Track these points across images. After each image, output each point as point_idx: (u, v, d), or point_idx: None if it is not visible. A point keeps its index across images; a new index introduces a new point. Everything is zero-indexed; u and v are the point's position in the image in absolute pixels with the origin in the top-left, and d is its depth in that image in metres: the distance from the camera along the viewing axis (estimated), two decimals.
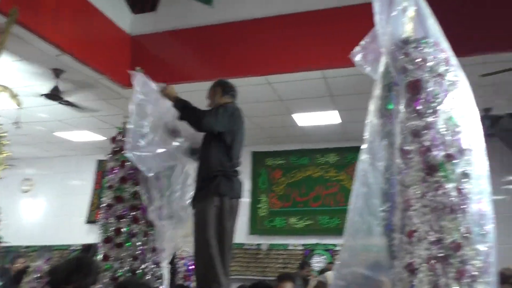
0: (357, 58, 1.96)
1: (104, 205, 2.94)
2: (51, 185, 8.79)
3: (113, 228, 2.81)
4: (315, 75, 4.92)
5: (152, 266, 2.92)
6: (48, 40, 4.10)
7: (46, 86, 5.07)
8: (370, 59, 1.92)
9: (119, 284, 2.30)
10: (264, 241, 7.38)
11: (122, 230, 2.80)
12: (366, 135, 1.79)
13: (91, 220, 8.18)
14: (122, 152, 2.96)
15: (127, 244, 2.78)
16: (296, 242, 7.24)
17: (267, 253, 7.29)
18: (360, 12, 4.71)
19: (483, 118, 5.57)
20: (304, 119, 6.41)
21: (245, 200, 7.58)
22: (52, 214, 8.63)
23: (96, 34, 4.79)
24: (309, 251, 7.14)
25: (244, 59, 4.92)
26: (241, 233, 7.42)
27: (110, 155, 3.17)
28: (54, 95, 5.00)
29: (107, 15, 4.89)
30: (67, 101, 5.31)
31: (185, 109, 2.97)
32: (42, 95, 5.04)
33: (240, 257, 7.28)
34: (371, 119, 1.79)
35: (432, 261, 1.38)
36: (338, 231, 7.09)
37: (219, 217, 2.84)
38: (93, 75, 4.92)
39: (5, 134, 2.29)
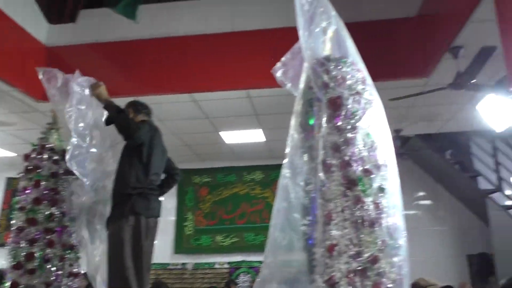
0: (278, 74, 2.00)
1: (14, 228, 2.72)
2: None
3: (25, 252, 2.59)
4: (240, 94, 4.96)
5: None
6: None
7: None
8: (291, 75, 1.95)
9: None
10: (190, 260, 7.21)
11: (35, 255, 2.59)
12: (287, 150, 1.80)
13: (1, 244, 7.50)
14: (37, 170, 2.80)
15: (40, 270, 2.58)
16: (222, 260, 7.15)
17: (193, 273, 7.13)
18: (284, 35, 4.92)
19: (394, 138, 6.02)
20: (231, 136, 6.42)
21: (171, 218, 7.41)
22: None
23: (7, 43, 4.46)
24: (235, 269, 7.12)
25: (170, 76, 4.84)
26: (165, 252, 7.22)
27: (22, 174, 2.93)
28: None
29: (20, 24, 4.58)
30: None
31: (118, 113, 2.83)
32: None
33: (165, 277, 7.02)
34: (292, 133, 1.81)
35: (351, 275, 1.40)
36: (263, 248, 7.11)
37: (135, 237, 2.71)
38: (3, 87, 4.56)
39: None
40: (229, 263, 7.14)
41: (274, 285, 1.60)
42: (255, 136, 6.43)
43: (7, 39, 4.47)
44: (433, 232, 6.88)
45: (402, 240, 1.55)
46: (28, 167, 2.90)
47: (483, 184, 6.47)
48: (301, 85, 1.79)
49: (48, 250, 2.67)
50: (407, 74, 4.63)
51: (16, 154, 6.95)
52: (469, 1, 3.56)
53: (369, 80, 1.74)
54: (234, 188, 7.55)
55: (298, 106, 1.82)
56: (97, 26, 5.07)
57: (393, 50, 4.58)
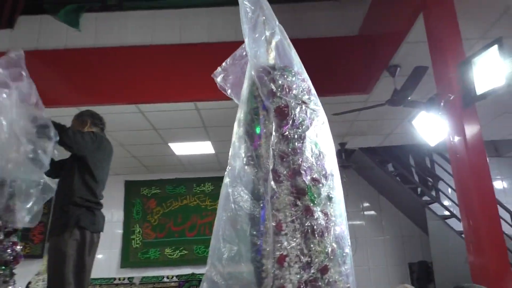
0: (219, 79, 1.95)
1: None
2: None
3: None
4: (188, 106, 4.92)
5: None
6: None
7: None
8: (231, 81, 1.92)
9: None
10: (137, 274, 6.97)
11: None
12: (229, 158, 1.75)
13: None
14: None
15: None
16: (171, 274, 6.96)
17: (140, 287, 6.97)
18: (231, 48, 4.97)
19: (340, 151, 6.21)
20: (181, 148, 6.33)
21: (118, 231, 7.19)
22: None
23: None
24: (184, 282, 7.00)
25: (115, 86, 4.70)
26: (111, 267, 6.96)
27: None
28: None
29: None
30: None
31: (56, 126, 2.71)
32: None
33: None
34: (234, 141, 1.75)
35: (302, 286, 1.37)
36: None
37: (79, 252, 2.64)
38: None
39: None
40: (177, 276, 6.98)
41: None
42: (204, 148, 6.38)
43: None
44: (377, 241, 7.12)
45: (347, 249, 1.55)
46: None
47: (422, 196, 6.82)
48: (244, 92, 1.75)
49: None
50: (349, 90, 4.81)
51: None
52: (403, 23, 3.77)
53: (313, 90, 1.75)
54: (184, 200, 7.42)
55: (241, 114, 1.78)
56: (37, 33, 4.84)
57: (336, 66, 4.75)
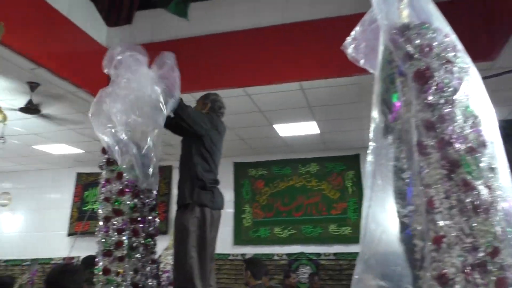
0: (349, 50, 1.76)
1: (102, 217, 2.79)
2: (28, 198, 8.51)
3: (113, 241, 2.68)
4: (293, 87, 4.86)
5: (151, 279, 2.82)
6: (22, 54, 4.05)
7: (20, 100, 4.87)
8: (363, 50, 1.73)
9: None
10: (249, 251, 7.24)
11: (123, 243, 2.68)
12: (371, 134, 1.58)
13: (71, 233, 8.09)
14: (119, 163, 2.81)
15: (128, 257, 2.67)
16: (280, 252, 7.11)
17: None
18: (334, 24, 4.82)
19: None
20: (285, 129, 6.32)
21: (229, 211, 7.54)
22: (32, 228, 8.35)
23: (72, 47, 4.69)
24: (294, 260, 7.12)
25: (222, 71, 4.81)
26: (226, 243, 7.30)
27: (102, 165, 2.95)
28: (30, 108, 4.92)
29: (82, 28, 4.83)
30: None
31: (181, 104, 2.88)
32: (20, 108, 4.95)
33: (226, 268, 7.13)
34: (374, 116, 1.57)
35: (468, 270, 1.19)
36: (321, 240, 7.03)
37: (200, 228, 2.77)
38: (69, 88, 4.82)
39: None
40: (287, 254, 7.09)
41: (374, 282, 1.40)
42: (309, 128, 6.28)
43: (72, 43, 4.73)
44: None
45: None
46: (109, 160, 2.92)
47: None
48: (379, 59, 1.56)
49: (134, 239, 2.74)
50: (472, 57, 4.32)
51: (83, 151, 7.40)
52: None
53: (460, 45, 1.49)
54: (290, 181, 7.48)
55: (377, 84, 1.58)
56: (151, 27, 5.18)
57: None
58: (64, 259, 7.72)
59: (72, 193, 8.32)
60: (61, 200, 8.37)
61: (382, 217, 1.44)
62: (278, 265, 7.09)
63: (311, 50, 4.61)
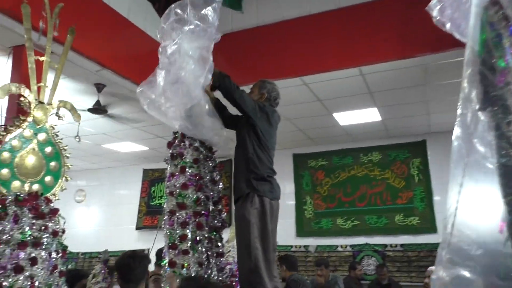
0: (435, 12, 1.58)
1: (167, 211, 2.83)
2: (100, 195, 9.03)
3: (178, 234, 2.71)
4: (351, 73, 4.68)
5: (216, 272, 2.82)
6: (87, 56, 4.25)
7: (89, 101, 5.12)
8: (450, 14, 1.56)
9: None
10: (312, 243, 7.18)
11: (187, 237, 2.71)
12: (458, 107, 1.43)
13: (139, 227, 8.48)
14: (182, 157, 2.87)
15: (192, 250, 2.70)
16: (344, 243, 6.99)
17: (316, 256, 7.18)
18: (393, 5, 4.58)
19: None
20: (345, 118, 6.13)
21: (290, 202, 7.50)
22: (104, 222, 8.87)
23: (133, 47, 4.89)
24: (358, 252, 6.95)
25: (278, 61, 4.74)
26: (288, 235, 7.27)
27: (168, 160, 2.98)
28: (98, 109, 5.18)
29: (141, 28, 5.00)
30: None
31: (226, 77, 2.86)
32: (88, 109, 5.23)
33: None
34: (463, 86, 1.41)
35: None
36: (386, 230, 6.77)
37: (261, 219, 2.73)
38: (132, 87, 5.01)
39: (66, 147, 2.38)
40: (351, 245, 6.94)
41: (500, 283, 1.20)
42: (370, 115, 6.05)
43: (133, 43, 4.91)
44: None
45: None
46: (173, 154, 2.95)
47: None
48: (472, 22, 1.40)
49: (198, 232, 2.75)
50: None
51: (148, 148, 7.70)
52: None
53: None
54: (351, 170, 7.27)
55: (469, 49, 1.40)
56: None
57: None
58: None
59: (140, 189, 8.68)
60: (129, 196, 8.79)
61: (477, 200, 1.25)
62: (342, 257, 6.95)
63: (369, 34, 4.41)
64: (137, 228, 8.44)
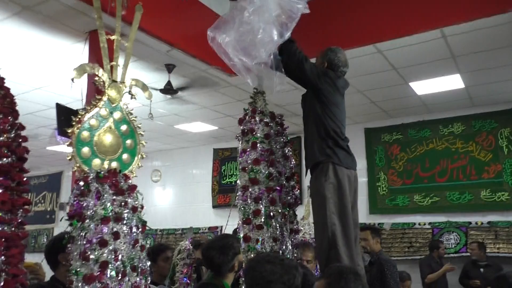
0: None
1: (240, 187, 2.82)
2: (175, 175, 9.33)
3: (252, 209, 2.70)
4: (432, 36, 4.24)
5: (290, 248, 2.79)
6: (158, 37, 4.26)
7: (160, 83, 5.18)
8: None
9: None
10: (386, 220, 6.86)
11: (261, 211, 2.68)
12: None
13: (215, 205, 8.66)
14: (253, 133, 2.85)
15: (266, 225, 2.67)
16: (422, 220, 6.58)
17: (391, 233, 6.85)
18: None
19: None
20: (423, 87, 5.65)
21: (362, 179, 7.20)
22: (179, 201, 9.19)
23: (200, 25, 4.84)
24: (438, 229, 6.51)
25: (349, 28, 4.40)
26: (361, 213, 6.95)
27: (239, 137, 2.97)
28: (169, 89, 5.23)
29: (207, 5, 4.94)
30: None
31: (290, 42, 2.77)
32: (160, 90, 5.28)
33: None
34: None
35: None
36: (471, 207, 6.27)
37: (338, 193, 2.57)
38: (201, 66, 5.00)
39: (140, 125, 2.42)
40: (430, 223, 6.51)
41: None
42: (451, 83, 5.53)
43: (200, 21, 4.86)
44: None
45: None
46: (244, 130, 2.92)
47: None
48: None
49: (271, 208, 2.73)
50: None
51: (217, 127, 7.76)
52: None
53: None
54: (429, 144, 6.76)
55: None
56: None
57: None
58: (209, 228, 8.35)
59: (211, 168, 8.83)
60: (202, 175, 8.99)
61: None
62: (419, 234, 6.60)
63: None
64: (214, 207, 8.64)
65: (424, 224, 6.60)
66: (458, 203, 6.41)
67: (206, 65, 4.93)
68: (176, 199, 9.32)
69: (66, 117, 3.37)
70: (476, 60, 4.86)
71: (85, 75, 2.29)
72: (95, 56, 3.89)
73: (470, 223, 6.27)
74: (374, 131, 7.26)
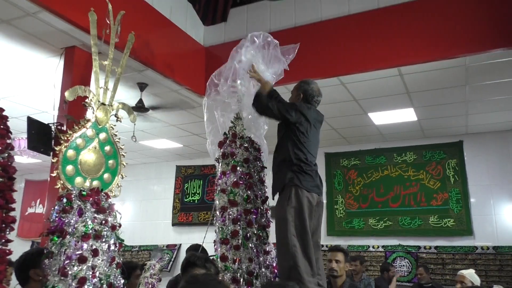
0: None
1: (219, 207, 2.94)
2: (135, 190, 9.24)
3: (229, 230, 2.82)
4: (390, 73, 4.65)
5: (264, 269, 2.91)
6: (134, 57, 4.39)
7: (132, 100, 5.29)
8: None
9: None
10: (343, 243, 7.12)
11: (239, 232, 2.81)
12: None
13: (175, 223, 8.64)
14: (233, 156, 3.00)
15: (243, 246, 2.79)
16: (376, 243, 6.97)
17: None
18: (434, 5, 4.50)
19: None
20: (381, 117, 6.10)
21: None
22: (139, 217, 9.09)
23: (174, 47, 5.01)
24: (391, 252, 6.91)
25: (316, 61, 4.75)
26: None
27: (219, 159, 3.12)
28: (140, 107, 5.33)
29: (182, 28, 5.13)
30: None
31: (260, 95, 3.02)
32: (132, 107, 5.35)
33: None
34: None
35: None
36: (420, 232, 6.71)
37: (299, 216, 2.72)
38: (173, 86, 5.15)
39: (123, 146, 2.54)
40: (383, 246, 6.92)
41: None
42: (405, 115, 5.99)
43: (174, 43, 5.04)
44: None
45: None
46: (225, 153, 3.08)
47: None
48: None
49: (248, 229, 2.85)
50: None
51: (182, 145, 7.86)
52: None
53: None
54: (384, 171, 7.20)
55: None
56: (245, 23, 5.29)
57: None
58: (167, 246, 8.33)
59: (173, 185, 8.86)
60: (163, 191, 8.99)
61: None
62: (373, 257, 6.93)
63: (409, 33, 4.39)
64: (173, 224, 8.62)
65: (378, 247, 6.95)
66: (409, 227, 6.82)
67: (178, 85, 5.08)
68: (135, 215, 9.22)
69: (36, 131, 3.40)
70: (428, 97, 5.33)
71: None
72: (70, 72, 3.98)
73: (419, 247, 6.68)
74: (334, 155, 7.63)
